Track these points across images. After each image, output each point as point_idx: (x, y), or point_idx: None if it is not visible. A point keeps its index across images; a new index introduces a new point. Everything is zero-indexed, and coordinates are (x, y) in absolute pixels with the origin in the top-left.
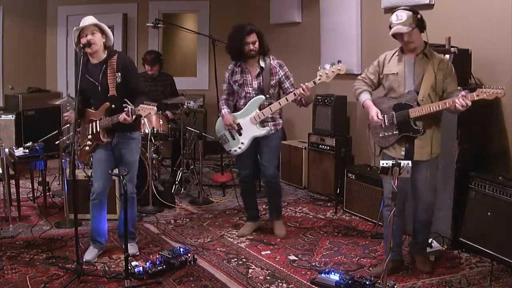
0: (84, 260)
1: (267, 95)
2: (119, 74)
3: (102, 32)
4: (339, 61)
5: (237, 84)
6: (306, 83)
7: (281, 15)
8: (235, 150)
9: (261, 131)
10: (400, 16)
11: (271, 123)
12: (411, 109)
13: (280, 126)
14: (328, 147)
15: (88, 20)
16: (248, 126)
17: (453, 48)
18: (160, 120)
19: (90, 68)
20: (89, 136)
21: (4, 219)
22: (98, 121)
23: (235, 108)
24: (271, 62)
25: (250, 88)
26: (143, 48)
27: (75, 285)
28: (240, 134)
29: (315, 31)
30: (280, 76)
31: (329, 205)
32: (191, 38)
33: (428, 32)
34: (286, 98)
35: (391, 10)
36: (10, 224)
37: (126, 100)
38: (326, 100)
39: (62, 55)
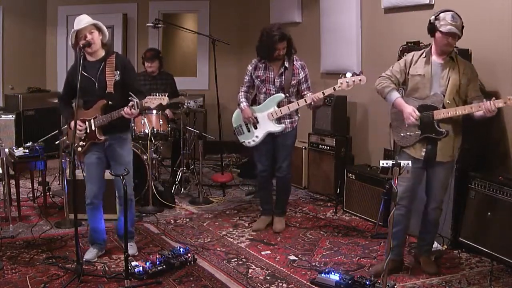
0: (84, 259)
1: (287, 94)
2: (118, 72)
3: (98, 29)
4: (361, 72)
5: (259, 79)
6: (325, 90)
7: (281, 15)
8: (248, 142)
9: (276, 128)
10: (456, 19)
11: (288, 120)
12: (436, 110)
13: (296, 124)
14: (328, 147)
15: (84, 20)
16: (264, 121)
17: None
18: (160, 120)
19: (87, 65)
20: (82, 136)
21: (4, 219)
22: (93, 119)
23: (253, 101)
24: (295, 63)
25: (271, 85)
26: (143, 48)
27: (75, 285)
28: (256, 128)
29: (315, 31)
30: (300, 77)
31: (329, 205)
32: (191, 38)
33: (428, 32)
34: (305, 99)
35: (391, 10)
36: (10, 224)
37: (131, 93)
38: (326, 100)
39: (62, 55)
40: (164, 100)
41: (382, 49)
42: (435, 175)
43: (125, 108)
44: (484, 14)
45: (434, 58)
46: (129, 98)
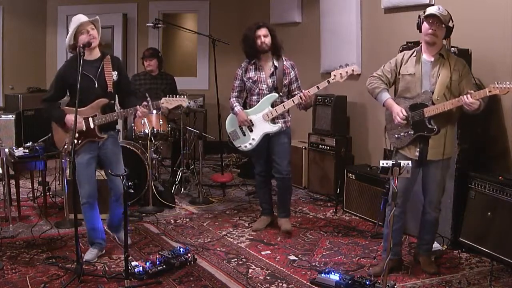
0: (84, 259)
1: (280, 93)
2: (116, 73)
3: (96, 28)
4: (352, 63)
5: (251, 80)
6: (319, 84)
7: (281, 15)
8: (245, 146)
9: (272, 128)
10: (442, 9)
11: (281, 120)
12: (426, 108)
13: (289, 123)
14: (328, 147)
15: (84, 17)
16: (260, 122)
17: (453, 48)
18: (160, 120)
19: (84, 63)
20: (76, 134)
21: (4, 219)
22: (91, 118)
23: (244, 104)
24: (284, 62)
25: (264, 86)
26: (143, 48)
27: (75, 285)
28: (251, 131)
29: (315, 31)
30: (291, 76)
31: (329, 205)
32: (191, 38)
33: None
34: (299, 96)
35: (391, 10)
36: (10, 224)
37: (147, 94)
38: (326, 100)
39: (62, 55)
40: (184, 101)
41: (382, 49)
42: (429, 174)
43: (139, 107)
44: (484, 14)
45: (424, 56)
46: (147, 99)
